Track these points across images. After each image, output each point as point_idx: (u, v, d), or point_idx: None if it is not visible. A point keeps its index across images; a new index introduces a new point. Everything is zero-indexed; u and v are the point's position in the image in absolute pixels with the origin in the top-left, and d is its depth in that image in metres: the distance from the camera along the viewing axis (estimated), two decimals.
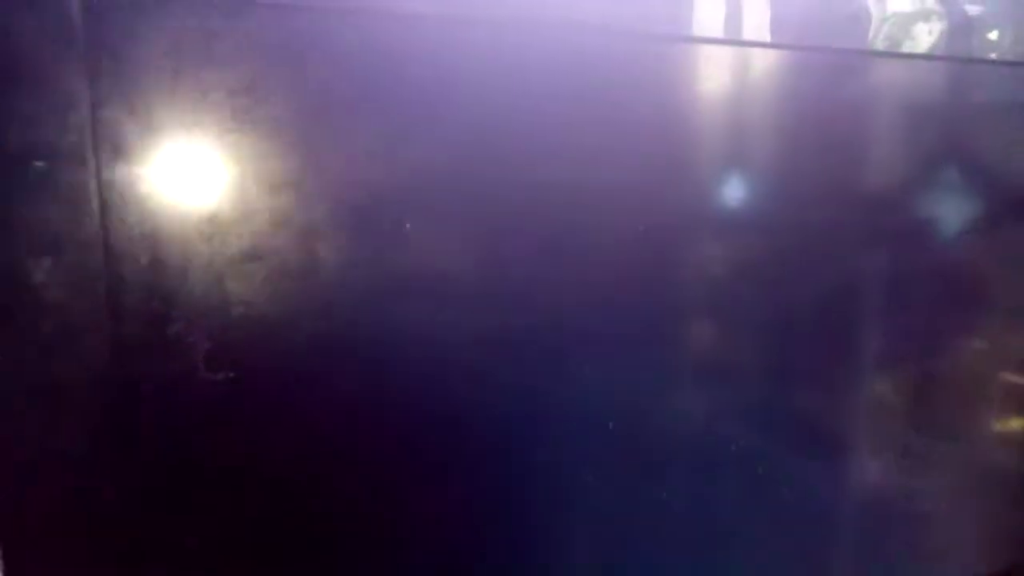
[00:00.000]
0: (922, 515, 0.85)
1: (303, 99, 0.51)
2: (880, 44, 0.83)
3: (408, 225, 0.55)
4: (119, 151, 0.43)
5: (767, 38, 0.74)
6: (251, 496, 0.51)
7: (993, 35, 0.84)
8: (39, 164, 0.39)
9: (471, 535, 0.63)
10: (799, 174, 0.72)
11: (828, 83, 0.71)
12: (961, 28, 0.79)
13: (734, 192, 0.69)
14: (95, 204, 0.40)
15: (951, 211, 0.82)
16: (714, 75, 0.63)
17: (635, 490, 0.70)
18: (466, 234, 0.58)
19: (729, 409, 0.74)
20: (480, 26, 0.52)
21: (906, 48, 0.81)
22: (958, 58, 0.78)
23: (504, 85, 0.55)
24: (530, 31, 0.54)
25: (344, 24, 0.49)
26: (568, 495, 0.66)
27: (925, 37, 0.81)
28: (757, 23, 0.71)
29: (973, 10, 0.81)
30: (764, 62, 0.66)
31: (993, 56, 0.85)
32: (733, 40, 0.69)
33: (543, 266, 0.61)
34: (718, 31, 0.71)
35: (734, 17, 0.68)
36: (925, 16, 0.79)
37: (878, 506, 0.83)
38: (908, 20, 0.80)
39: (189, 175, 0.46)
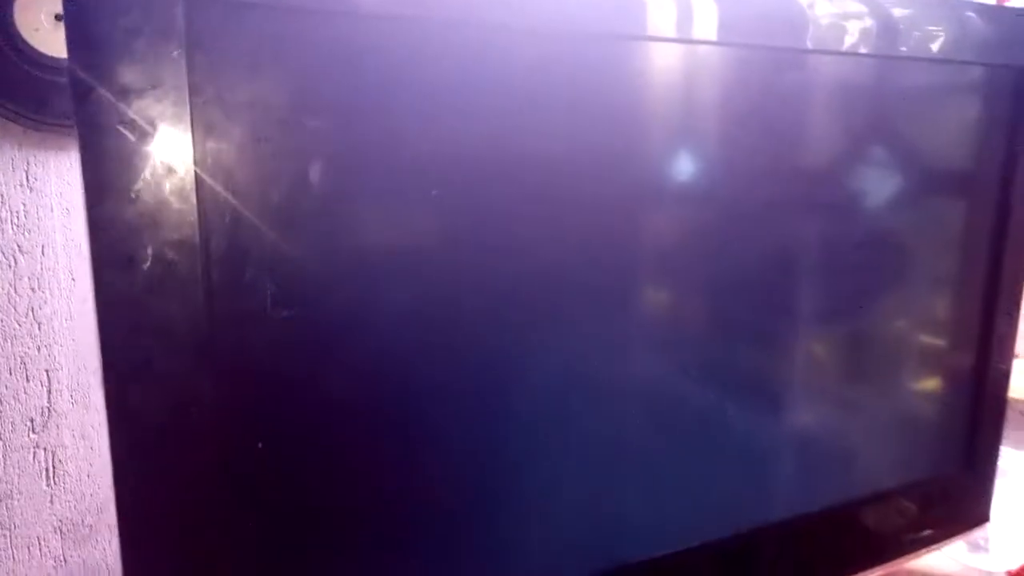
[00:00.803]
0: (852, 440, 0.98)
1: (361, 98, 0.56)
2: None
3: (434, 192, 0.60)
4: (211, 131, 0.49)
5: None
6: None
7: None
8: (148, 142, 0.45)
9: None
10: (736, 160, 0.78)
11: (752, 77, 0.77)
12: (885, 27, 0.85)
13: (679, 170, 0.76)
14: (192, 175, 0.47)
15: (871, 191, 0.91)
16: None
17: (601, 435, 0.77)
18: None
19: (689, 360, 0.82)
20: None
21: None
22: (885, 53, 0.84)
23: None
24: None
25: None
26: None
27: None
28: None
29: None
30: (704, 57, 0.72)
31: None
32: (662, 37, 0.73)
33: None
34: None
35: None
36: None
37: (819, 434, 0.95)
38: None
39: (265, 153, 0.52)
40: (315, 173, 0.57)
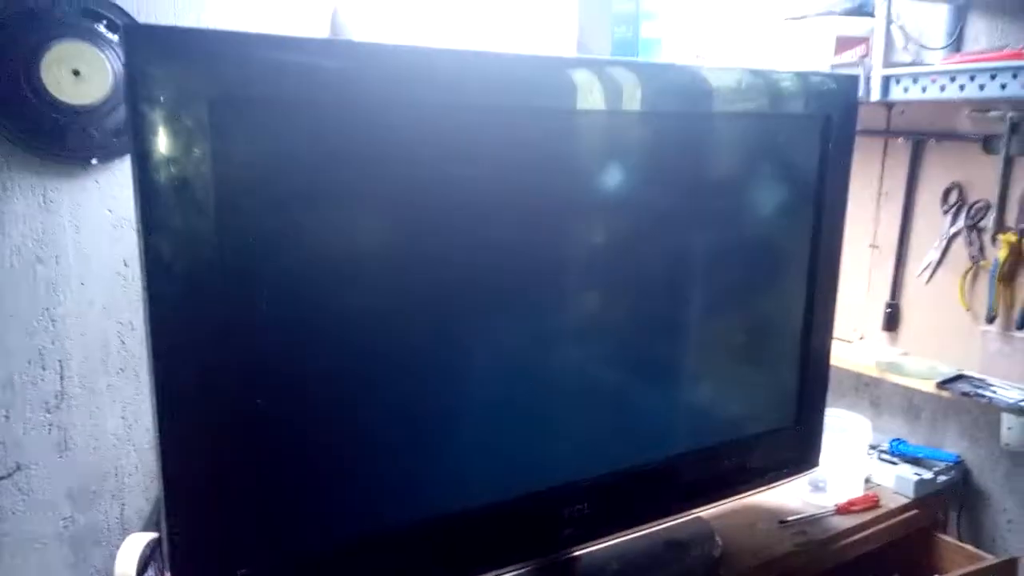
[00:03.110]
0: (714, 401, 1.28)
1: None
2: None
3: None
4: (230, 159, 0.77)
5: None
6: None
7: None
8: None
9: None
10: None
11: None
12: None
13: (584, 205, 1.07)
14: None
15: (727, 213, 1.23)
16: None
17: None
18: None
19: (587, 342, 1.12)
20: None
21: None
22: (731, 111, 1.15)
23: None
24: None
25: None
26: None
27: None
28: None
29: None
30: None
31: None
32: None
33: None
34: None
35: None
36: None
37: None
38: None
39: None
40: (301, 209, 0.84)
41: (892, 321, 1.64)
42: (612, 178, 1.09)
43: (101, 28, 1.26)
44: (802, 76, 1.22)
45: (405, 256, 0.94)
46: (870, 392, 1.71)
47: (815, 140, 1.24)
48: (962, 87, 1.28)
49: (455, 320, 0.99)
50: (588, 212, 1.08)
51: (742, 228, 1.24)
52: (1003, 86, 1.22)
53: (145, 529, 1.50)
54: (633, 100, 1.05)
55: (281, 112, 0.83)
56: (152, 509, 1.49)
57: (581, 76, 1.00)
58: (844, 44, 1.56)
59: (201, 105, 0.76)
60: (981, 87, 1.25)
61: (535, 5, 1.87)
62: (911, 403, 1.64)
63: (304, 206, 0.86)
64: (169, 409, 0.80)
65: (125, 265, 1.40)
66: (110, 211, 1.38)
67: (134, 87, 0.74)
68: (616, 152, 1.09)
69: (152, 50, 0.74)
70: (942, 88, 1.31)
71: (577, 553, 1.16)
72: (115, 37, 1.27)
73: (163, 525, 0.84)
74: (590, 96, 1.01)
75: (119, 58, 1.29)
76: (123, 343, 1.43)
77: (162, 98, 0.75)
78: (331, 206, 0.88)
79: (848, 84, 1.26)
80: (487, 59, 0.96)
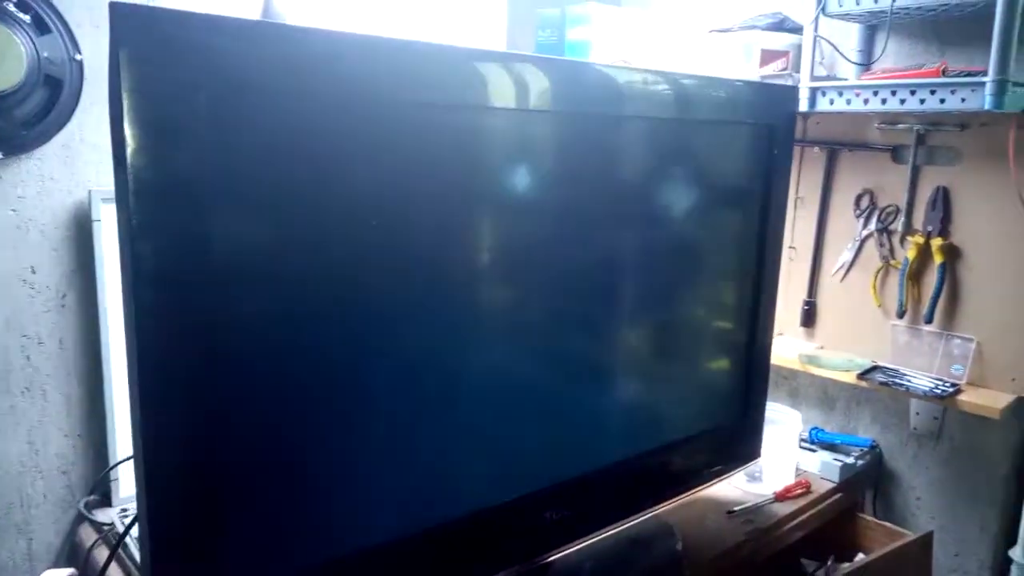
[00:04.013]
0: (663, 401, 1.31)
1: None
2: None
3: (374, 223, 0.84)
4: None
5: None
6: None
7: None
8: None
9: None
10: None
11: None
12: None
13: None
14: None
15: (676, 214, 1.25)
16: None
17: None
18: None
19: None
20: None
21: None
22: (683, 116, 1.18)
23: None
24: None
25: None
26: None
27: None
28: None
29: None
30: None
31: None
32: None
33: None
34: None
35: None
36: None
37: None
38: None
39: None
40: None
41: (809, 317, 1.75)
42: (546, 180, 1.07)
43: (11, 7, 1.12)
44: (752, 85, 1.28)
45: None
46: (788, 384, 1.81)
47: (763, 147, 1.30)
48: (884, 101, 1.38)
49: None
50: (529, 216, 1.06)
51: (697, 234, 1.28)
52: (922, 101, 1.33)
53: (56, 566, 1.35)
54: (565, 99, 1.03)
55: (269, 102, 0.76)
56: (63, 542, 1.35)
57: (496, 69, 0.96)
58: (768, 57, 1.65)
59: (195, 93, 0.69)
60: (902, 101, 1.36)
61: (468, 11, 1.86)
62: (826, 393, 1.76)
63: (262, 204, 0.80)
64: (155, 422, 0.72)
65: (32, 272, 1.26)
66: (14, 211, 1.23)
67: (118, 71, 0.66)
68: (556, 155, 1.08)
69: (146, 33, 0.66)
70: (865, 101, 1.41)
71: (552, 558, 1.15)
72: (27, 17, 1.14)
73: (144, 547, 0.75)
74: (500, 92, 0.97)
75: (33, 41, 1.15)
76: (28, 359, 1.28)
77: (153, 83, 0.67)
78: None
79: (790, 95, 1.33)
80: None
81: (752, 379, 1.41)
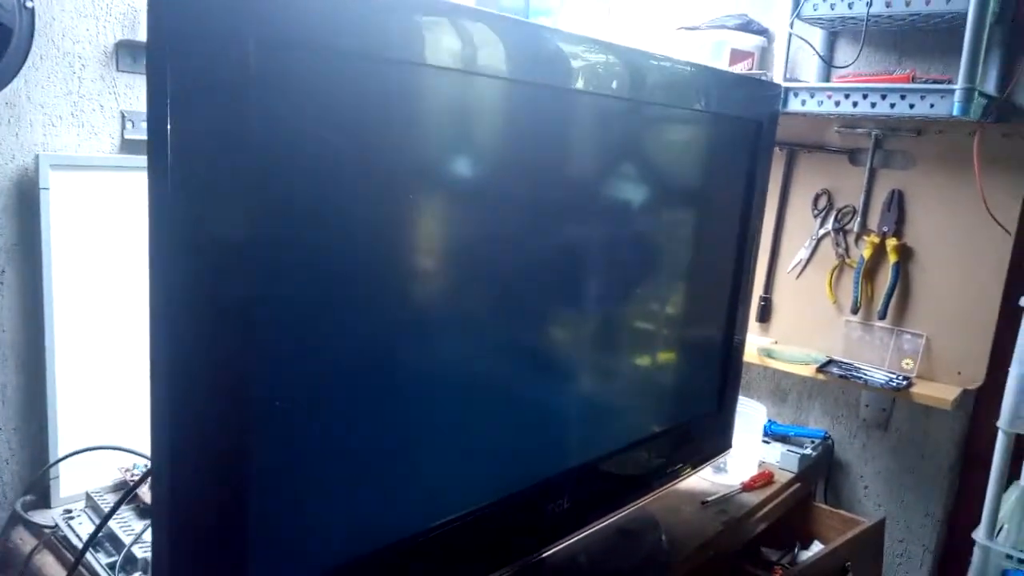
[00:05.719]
0: (641, 397, 1.30)
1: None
2: None
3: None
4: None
5: None
6: None
7: None
8: None
9: None
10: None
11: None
12: None
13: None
14: None
15: (656, 212, 1.23)
16: None
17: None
18: None
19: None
20: None
21: None
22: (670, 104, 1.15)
23: None
24: None
25: None
26: None
27: None
28: None
29: None
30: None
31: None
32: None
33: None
34: None
35: None
36: None
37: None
38: None
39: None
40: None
41: (765, 313, 1.80)
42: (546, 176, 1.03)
43: None
44: (745, 79, 1.29)
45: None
46: (743, 378, 1.86)
47: (750, 143, 1.32)
48: (855, 104, 1.43)
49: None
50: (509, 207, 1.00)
51: (683, 228, 1.28)
52: (892, 105, 1.39)
53: None
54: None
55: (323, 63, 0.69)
56: None
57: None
58: (736, 57, 1.69)
59: (243, 49, 0.62)
60: (872, 105, 1.42)
61: None
62: (778, 386, 1.82)
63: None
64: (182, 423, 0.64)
65: None
66: None
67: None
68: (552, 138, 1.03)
69: None
70: (836, 103, 1.46)
71: (547, 553, 1.12)
72: None
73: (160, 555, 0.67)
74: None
75: None
76: None
77: (197, 37, 0.59)
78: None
79: (777, 92, 1.36)
80: None
81: (727, 371, 1.43)
